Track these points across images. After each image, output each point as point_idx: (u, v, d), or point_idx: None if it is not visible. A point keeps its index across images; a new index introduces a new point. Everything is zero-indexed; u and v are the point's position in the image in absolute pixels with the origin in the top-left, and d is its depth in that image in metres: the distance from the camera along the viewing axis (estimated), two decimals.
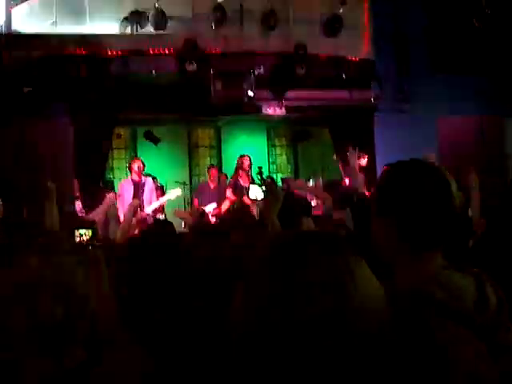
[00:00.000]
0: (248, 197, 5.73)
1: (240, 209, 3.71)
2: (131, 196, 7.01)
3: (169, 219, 7.40)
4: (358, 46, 7.97)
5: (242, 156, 8.07)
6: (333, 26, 7.60)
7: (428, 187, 1.18)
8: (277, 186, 2.07)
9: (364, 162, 7.11)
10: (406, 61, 8.53)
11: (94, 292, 1.08)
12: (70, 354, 1.02)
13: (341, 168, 6.80)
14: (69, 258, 1.07)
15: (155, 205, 7.02)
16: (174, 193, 7.26)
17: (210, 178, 8.17)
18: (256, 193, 3.29)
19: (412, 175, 1.22)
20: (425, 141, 7.21)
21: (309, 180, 7.94)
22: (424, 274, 1.14)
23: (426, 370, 0.97)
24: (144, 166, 7.37)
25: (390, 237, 1.20)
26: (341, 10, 7.58)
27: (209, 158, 10.59)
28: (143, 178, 7.24)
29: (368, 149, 7.89)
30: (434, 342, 1.00)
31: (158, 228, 2.36)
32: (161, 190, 8.05)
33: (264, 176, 8.14)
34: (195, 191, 8.64)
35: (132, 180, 7.23)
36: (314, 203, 3.83)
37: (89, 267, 1.08)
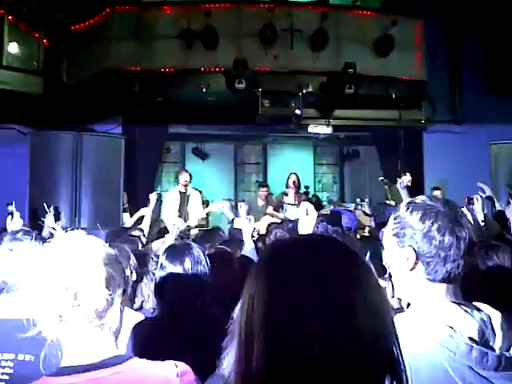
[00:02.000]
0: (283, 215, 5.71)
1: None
2: (177, 206, 7.16)
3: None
4: (409, 66, 7.85)
5: (289, 174, 8.06)
6: (384, 45, 7.53)
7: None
8: (313, 208, 2.02)
9: (407, 180, 6.93)
10: (459, 82, 8.33)
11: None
12: None
13: (387, 189, 6.66)
14: None
15: (199, 216, 7.11)
16: (217, 205, 7.36)
17: (258, 195, 8.21)
18: (292, 213, 3.27)
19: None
20: (476, 165, 6.98)
21: (354, 202, 7.81)
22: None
23: None
24: (191, 178, 7.51)
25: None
26: (392, 30, 7.51)
27: (255, 175, 10.67)
28: (189, 190, 7.37)
29: (417, 170, 7.72)
30: None
31: None
32: (206, 205, 8.14)
33: (309, 195, 8.11)
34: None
35: (179, 191, 7.38)
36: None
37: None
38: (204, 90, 7.50)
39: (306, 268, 0.75)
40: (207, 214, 7.54)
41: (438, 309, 1.20)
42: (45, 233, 4.04)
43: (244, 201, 9.61)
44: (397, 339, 0.76)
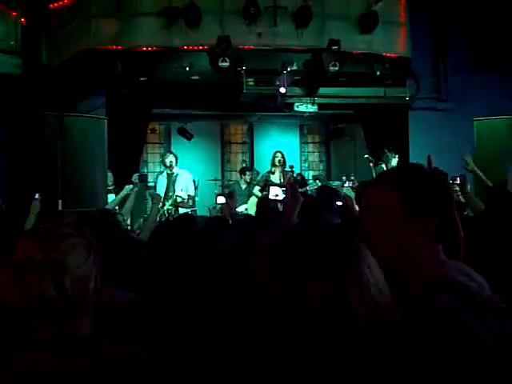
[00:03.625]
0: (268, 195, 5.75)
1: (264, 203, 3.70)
2: (164, 188, 7.19)
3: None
4: (393, 43, 7.79)
5: (274, 152, 8.07)
6: (368, 22, 7.46)
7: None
8: (297, 187, 2.02)
9: (395, 161, 6.98)
10: (443, 59, 8.31)
11: (94, 273, 1.21)
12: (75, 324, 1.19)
13: (372, 167, 6.69)
14: (63, 242, 1.14)
15: (182, 196, 7.15)
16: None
17: (241, 178, 8.26)
18: (276, 192, 3.29)
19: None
20: (462, 141, 7.01)
21: (341, 180, 7.85)
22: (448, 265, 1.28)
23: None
24: (177, 159, 7.50)
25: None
26: (377, 6, 7.44)
27: (241, 155, 10.64)
28: (176, 170, 7.38)
29: (402, 148, 7.75)
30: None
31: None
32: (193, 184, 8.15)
33: (295, 174, 8.12)
34: (231, 187, 8.66)
35: (167, 173, 7.41)
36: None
37: (86, 251, 1.18)
38: (187, 68, 7.41)
39: None
40: (191, 195, 7.54)
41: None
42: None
43: (230, 181, 9.65)
44: None
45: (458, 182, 3.88)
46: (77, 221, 1.27)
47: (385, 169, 6.28)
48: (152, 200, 4.81)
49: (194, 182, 8.20)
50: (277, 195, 3.32)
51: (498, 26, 7.97)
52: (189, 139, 9.54)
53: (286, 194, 2.14)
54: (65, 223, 1.25)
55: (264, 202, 3.85)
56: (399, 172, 1.40)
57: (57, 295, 1.15)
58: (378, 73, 7.42)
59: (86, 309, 1.22)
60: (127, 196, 5.08)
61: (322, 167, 10.79)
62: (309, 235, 0.84)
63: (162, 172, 7.78)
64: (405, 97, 7.85)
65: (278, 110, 8.23)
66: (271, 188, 3.59)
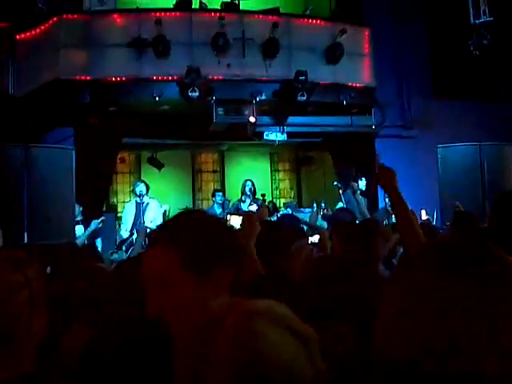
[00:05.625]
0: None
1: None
2: (133, 217, 7.11)
3: None
4: (358, 73, 8.04)
5: (244, 181, 8.10)
6: (333, 53, 7.69)
7: None
8: (252, 216, 2.02)
9: (363, 185, 7.12)
10: (407, 87, 8.60)
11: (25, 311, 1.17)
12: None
13: (341, 193, 6.79)
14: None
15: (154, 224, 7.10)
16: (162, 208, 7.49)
17: (213, 201, 8.23)
18: (236, 221, 3.28)
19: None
20: (426, 167, 7.21)
21: (312, 207, 7.92)
22: None
23: None
24: (148, 188, 7.45)
25: None
26: (341, 38, 7.68)
27: (212, 183, 10.64)
28: (146, 199, 7.32)
29: (369, 174, 7.90)
30: None
31: None
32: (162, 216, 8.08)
33: (267, 202, 8.16)
34: None
35: (136, 202, 7.34)
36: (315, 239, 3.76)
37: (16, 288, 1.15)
38: (157, 98, 7.44)
39: None
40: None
41: None
42: None
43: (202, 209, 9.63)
44: None
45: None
46: (18, 255, 1.21)
47: (351, 197, 6.39)
48: (137, 232, 4.76)
49: (165, 211, 8.15)
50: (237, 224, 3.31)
51: (459, 53, 8.29)
52: (159, 169, 9.50)
53: (242, 223, 2.14)
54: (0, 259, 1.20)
55: None
56: (175, 227, 1.15)
57: None
58: (345, 102, 7.61)
59: (15, 347, 1.14)
60: (95, 230, 5.03)
61: (293, 194, 10.87)
62: None
63: (129, 200, 7.71)
64: (371, 125, 8.05)
65: (248, 138, 8.31)
66: (231, 217, 3.59)
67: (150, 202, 7.37)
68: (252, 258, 1.87)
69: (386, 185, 1.97)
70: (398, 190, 1.95)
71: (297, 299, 1.54)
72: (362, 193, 7.11)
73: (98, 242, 4.78)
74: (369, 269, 1.92)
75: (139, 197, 7.25)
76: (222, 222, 1.22)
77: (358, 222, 4.66)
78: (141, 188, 7.33)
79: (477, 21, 7.10)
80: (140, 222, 7.05)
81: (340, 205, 6.74)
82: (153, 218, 7.18)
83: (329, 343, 1.39)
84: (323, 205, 7.82)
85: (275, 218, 6.65)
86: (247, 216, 2.03)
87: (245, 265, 1.86)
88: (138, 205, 7.28)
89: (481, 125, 8.08)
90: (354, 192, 6.65)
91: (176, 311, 1.07)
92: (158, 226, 1.20)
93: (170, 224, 1.19)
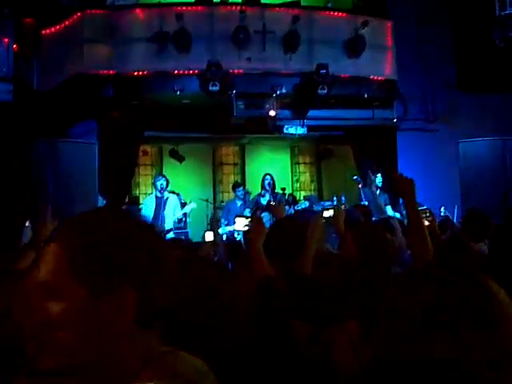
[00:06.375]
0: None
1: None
2: (153, 212, 7.20)
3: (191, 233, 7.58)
4: (380, 66, 7.96)
5: (264, 175, 8.12)
6: (355, 46, 7.63)
7: None
8: (259, 221, 2.04)
9: (379, 181, 7.04)
10: (430, 80, 8.47)
11: None
12: None
13: (360, 188, 6.77)
14: None
15: (173, 220, 7.19)
16: (188, 207, 7.49)
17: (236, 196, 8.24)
18: (243, 224, 3.28)
19: None
20: (447, 162, 7.12)
21: (332, 200, 7.89)
22: None
23: None
24: (168, 183, 7.52)
25: None
26: (363, 31, 7.61)
27: (233, 176, 10.69)
28: (166, 194, 7.39)
29: (391, 168, 7.84)
30: None
31: None
32: (183, 207, 8.16)
33: (287, 195, 8.17)
34: (223, 209, 8.65)
35: (155, 197, 7.41)
36: None
37: None
38: (178, 92, 7.51)
39: None
40: (184, 215, 7.60)
41: None
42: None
43: (222, 202, 9.70)
44: None
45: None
46: None
47: (369, 191, 6.35)
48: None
49: (184, 203, 8.22)
50: (245, 226, 3.31)
51: (483, 46, 8.14)
52: (180, 161, 9.60)
53: (250, 225, 2.16)
54: None
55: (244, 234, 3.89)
56: (72, 229, 0.90)
57: None
58: (366, 95, 7.55)
59: None
60: None
61: (313, 187, 10.85)
62: None
63: (152, 193, 7.80)
64: (392, 118, 7.97)
65: (268, 131, 8.32)
66: (237, 219, 3.61)
67: (169, 196, 7.44)
68: (260, 259, 1.90)
69: (404, 194, 2.03)
70: (415, 201, 2.01)
71: (306, 302, 1.58)
72: (381, 188, 7.06)
73: None
74: (381, 272, 1.94)
75: (160, 191, 7.33)
76: (142, 227, 0.93)
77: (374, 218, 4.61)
78: (161, 182, 7.40)
79: (502, 12, 6.94)
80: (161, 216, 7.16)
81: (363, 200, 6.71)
82: (173, 213, 7.26)
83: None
84: (343, 199, 7.81)
85: (292, 211, 6.67)
86: (255, 219, 2.06)
87: (253, 266, 1.90)
88: (158, 199, 7.36)
89: (505, 119, 7.91)
90: (371, 184, 6.60)
91: (54, 330, 0.83)
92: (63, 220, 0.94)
93: (70, 221, 0.93)
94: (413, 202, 2.04)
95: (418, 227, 1.99)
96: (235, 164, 10.79)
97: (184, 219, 7.75)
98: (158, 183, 7.38)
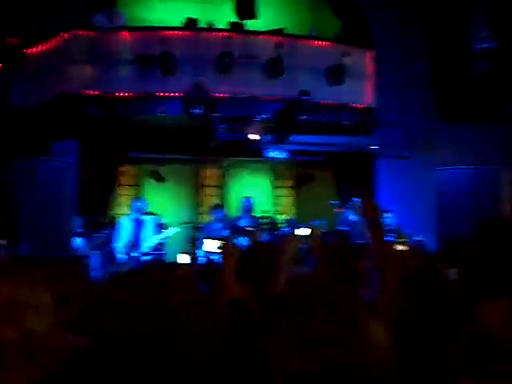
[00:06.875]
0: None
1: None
2: (129, 233, 7.12)
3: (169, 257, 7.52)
4: (361, 94, 8.15)
5: (242, 198, 8.17)
6: (337, 74, 7.81)
7: None
8: (231, 244, 2.06)
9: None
10: (409, 109, 8.68)
11: None
12: None
13: (338, 211, 6.85)
14: None
15: (152, 242, 7.12)
16: (171, 230, 7.40)
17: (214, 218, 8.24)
18: (211, 246, 3.27)
19: None
20: (425, 189, 7.26)
21: (310, 224, 7.93)
22: None
23: None
24: (146, 205, 7.46)
25: None
26: (345, 60, 7.80)
27: (214, 198, 10.70)
28: (143, 216, 7.32)
29: (369, 194, 7.95)
30: None
31: None
32: (161, 228, 8.10)
33: (266, 218, 8.22)
34: (202, 231, 8.62)
35: (133, 218, 7.33)
36: None
37: None
38: (161, 114, 7.56)
39: None
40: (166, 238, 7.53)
41: None
42: None
43: (200, 224, 9.67)
44: None
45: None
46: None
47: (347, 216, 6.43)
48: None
49: (161, 225, 8.14)
50: (218, 248, 3.28)
51: (460, 77, 8.38)
52: (160, 182, 9.59)
53: (222, 248, 2.16)
54: None
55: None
56: None
57: None
58: (346, 122, 7.71)
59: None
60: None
61: (293, 211, 10.91)
62: None
63: (127, 214, 7.71)
64: (372, 145, 8.13)
65: (249, 155, 8.41)
66: (206, 241, 3.61)
67: (146, 218, 7.36)
68: (231, 282, 1.92)
69: (369, 217, 2.08)
70: (380, 225, 2.07)
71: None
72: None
73: (96, 255, 4.84)
74: (350, 292, 1.97)
75: (137, 213, 7.26)
76: None
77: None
78: (139, 204, 7.32)
79: (478, 46, 7.20)
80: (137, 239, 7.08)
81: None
82: (150, 235, 7.21)
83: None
84: (322, 222, 7.87)
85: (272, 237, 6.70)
86: (226, 242, 2.09)
87: (224, 289, 1.92)
88: (134, 221, 7.27)
89: (479, 149, 8.14)
90: (355, 211, 6.69)
91: None
92: None
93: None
94: (378, 224, 2.08)
95: (381, 243, 2.03)
96: (216, 186, 10.82)
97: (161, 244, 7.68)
98: (136, 205, 7.33)
